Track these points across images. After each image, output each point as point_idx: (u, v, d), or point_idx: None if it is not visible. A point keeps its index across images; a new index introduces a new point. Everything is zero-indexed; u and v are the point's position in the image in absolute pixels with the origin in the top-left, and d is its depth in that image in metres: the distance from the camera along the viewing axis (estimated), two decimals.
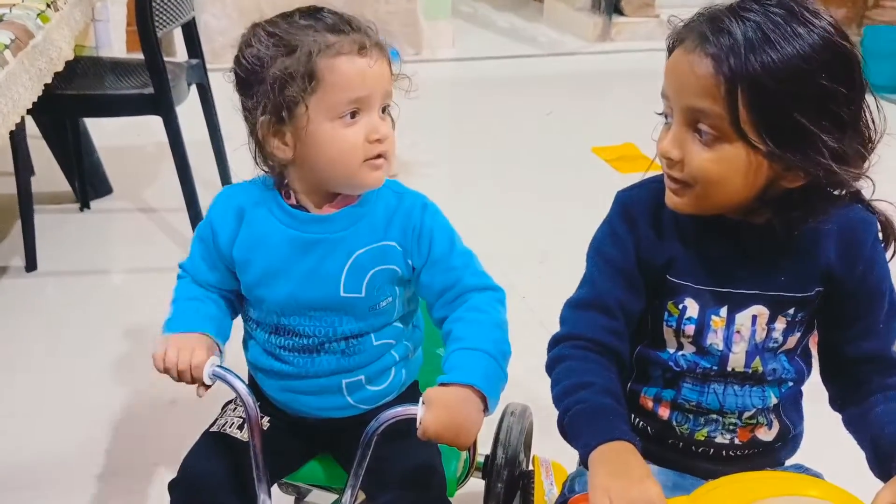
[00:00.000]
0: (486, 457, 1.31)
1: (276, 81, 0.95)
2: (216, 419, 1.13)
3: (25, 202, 2.23)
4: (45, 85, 1.69)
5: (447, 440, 0.92)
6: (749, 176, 0.86)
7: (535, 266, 2.36)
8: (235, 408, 1.12)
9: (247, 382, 1.02)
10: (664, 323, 0.96)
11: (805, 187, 0.86)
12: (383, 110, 1.01)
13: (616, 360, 0.95)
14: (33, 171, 2.63)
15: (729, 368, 0.95)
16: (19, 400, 1.82)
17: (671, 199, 0.91)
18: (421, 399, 0.92)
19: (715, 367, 0.95)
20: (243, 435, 1.07)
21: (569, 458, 1.05)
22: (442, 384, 0.95)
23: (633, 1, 4.57)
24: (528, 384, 1.32)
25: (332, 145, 0.97)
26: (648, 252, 0.95)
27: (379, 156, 1.00)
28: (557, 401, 0.92)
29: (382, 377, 1.10)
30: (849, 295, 0.94)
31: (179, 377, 0.99)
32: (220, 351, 1.05)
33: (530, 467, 1.31)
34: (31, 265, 2.27)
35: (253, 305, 1.08)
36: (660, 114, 0.91)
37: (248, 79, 0.99)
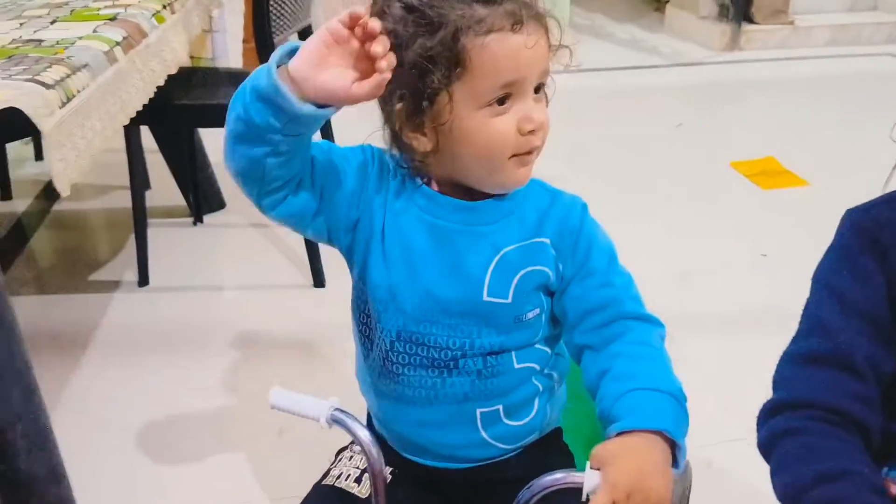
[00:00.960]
0: None
1: (414, 66, 0.80)
2: (329, 469, 0.97)
3: (140, 217, 2.20)
4: (161, 94, 1.63)
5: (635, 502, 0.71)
6: None
7: (675, 290, 2.15)
8: (352, 456, 0.97)
9: (367, 426, 0.86)
10: None
11: None
12: (537, 90, 0.84)
13: (866, 437, 0.72)
14: (149, 185, 2.63)
15: None
16: (132, 416, 1.76)
17: None
18: (588, 464, 0.73)
19: None
20: (361, 490, 0.92)
21: None
22: (619, 433, 0.75)
23: (765, 7, 4.28)
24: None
25: (478, 137, 0.83)
26: None
27: (530, 151, 0.84)
28: (793, 492, 0.70)
29: (524, 411, 0.92)
30: None
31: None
32: None
33: None
34: (143, 280, 2.24)
35: (371, 307, 0.90)
36: None
37: None
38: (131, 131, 2.07)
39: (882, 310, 0.73)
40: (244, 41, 3.07)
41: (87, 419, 1.73)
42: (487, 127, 0.82)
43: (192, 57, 2.42)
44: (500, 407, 0.91)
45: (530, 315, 0.89)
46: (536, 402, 0.93)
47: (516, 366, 0.90)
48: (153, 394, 1.83)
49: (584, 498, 0.72)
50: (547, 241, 0.88)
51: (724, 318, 2.02)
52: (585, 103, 3.76)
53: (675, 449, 0.75)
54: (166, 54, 1.48)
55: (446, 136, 0.83)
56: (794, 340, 0.77)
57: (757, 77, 3.91)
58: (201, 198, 2.56)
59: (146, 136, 2.40)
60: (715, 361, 1.83)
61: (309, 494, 0.95)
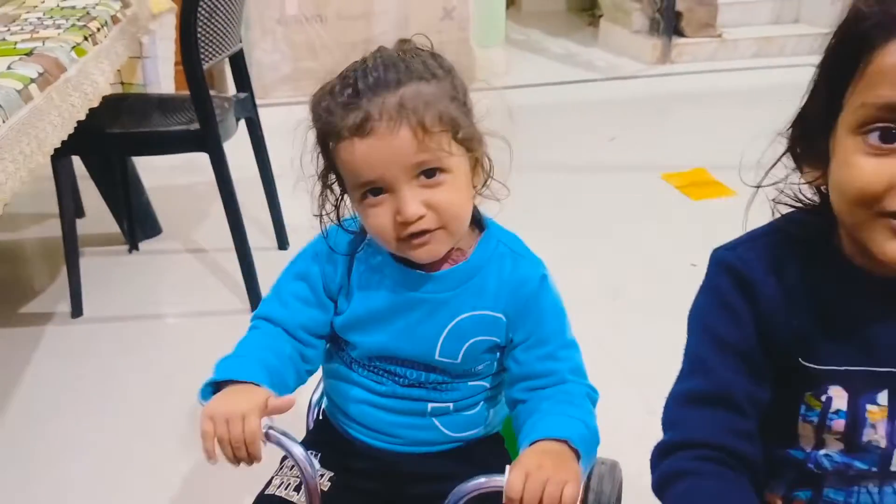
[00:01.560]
0: None
1: (321, 170, 0.95)
2: (272, 479, 1.02)
3: (71, 246, 2.16)
4: (91, 123, 1.61)
5: (539, 487, 0.78)
6: None
7: (609, 303, 2.19)
8: (293, 465, 1.00)
9: (302, 442, 0.91)
10: (800, 419, 0.76)
11: None
12: (431, 174, 0.88)
13: (751, 471, 0.74)
14: (82, 213, 2.59)
15: (893, 468, 0.75)
16: (64, 450, 1.73)
17: None
18: (507, 469, 0.80)
19: (874, 469, 0.75)
20: (301, 499, 0.98)
21: None
22: (533, 442, 0.83)
23: (694, 21, 4.41)
24: (616, 438, 1.17)
25: (366, 223, 0.93)
26: (775, 331, 0.75)
27: (414, 234, 0.89)
28: None
29: (471, 408, 1.01)
30: None
31: (235, 454, 0.86)
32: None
33: None
34: (76, 311, 2.20)
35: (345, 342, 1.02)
36: (875, 129, 0.67)
37: None
38: (60, 161, 2.04)
39: (754, 346, 0.75)
40: (176, 63, 3.04)
41: (15, 464, 1.70)
42: (367, 217, 0.91)
43: (122, 83, 2.39)
44: (451, 405, 1.00)
45: (479, 368, 0.99)
46: (483, 403, 1.02)
47: (470, 383, 1.00)
48: (86, 427, 1.79)
49: (504, 500, 0.78)
50: (501, 315, 0.95)
51: (657, 329, 2.08)
52: (521, 119, 3.82)
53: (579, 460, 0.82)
54: (87, 87, 1.47)
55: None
56: (679, 380, 0.79)
57: (687, 89, 4.01)
58: (136, 224, 2.53)
59: (77, 162, 2.37)
60: (648, 372, 1.87)
61: None
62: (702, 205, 2.70)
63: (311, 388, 1.13)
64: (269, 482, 1.02)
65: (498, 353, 0.98)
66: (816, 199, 0.77)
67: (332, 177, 0.95)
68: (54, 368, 2.00)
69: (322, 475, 1.00)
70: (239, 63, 2.31)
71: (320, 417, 1.11)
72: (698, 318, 0.79)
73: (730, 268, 0.77)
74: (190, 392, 1.85)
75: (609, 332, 1.95)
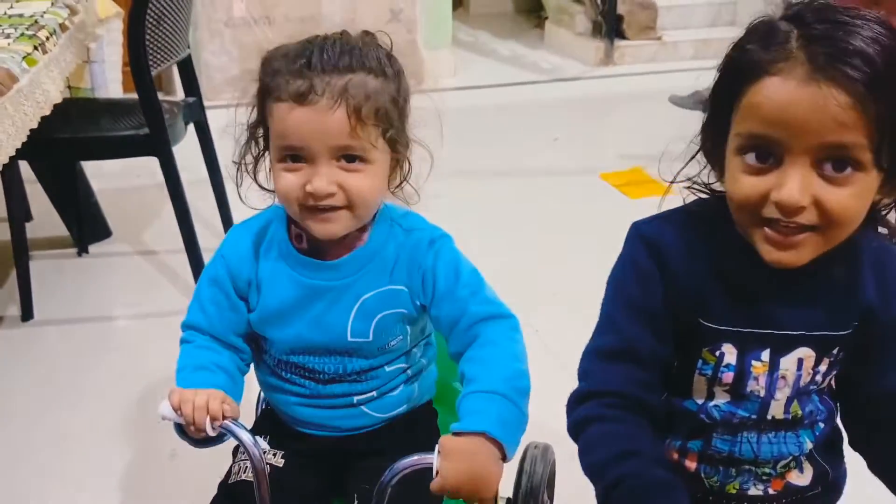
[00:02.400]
0: (508, 500, 1.24)
1: (255, 114, 1.00)
2: (231, 468, 1.08)
3: (19, 248, 2.17)
4: (39, 128, 1.64)
5: (466, 494, 0.87)
6: (868, 204, 0.80)
7: (548, 297, 2.28)
8: (244, 451, 1.06)
9: (251, 430, 0.98)
10: (697, 372, 0.87)
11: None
12: (351, 159, 0.95)
13: (652, 418, 0.86)
14: (30, 217, 2.59)
15: (769, 417, 0.87)
16: (16, 454, 1.74)
17: (784, 256, 0.79)
18: (437, 448, 0.88)
19: (753, 416, 0.87)
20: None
21: (591, 501, 0.98)
22: (455, 433, 0.89)
23: (635, 24, 4.54)
24: (548, 422, 1.25)
25: (276, 185, 0.98)
26: (680, 294, 0.85)
27: (320, 208, 0.95)
28: (596, 472, 0.82)
29: (394, 390, 1.08)
30: (882, 331, 0.87)
31: (194, 416, 0.92)
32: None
33: None
34: (27, 314, 2.21)
35: (263, 340, 1.07)
36: (750, 150, 0.78)
37: None
38: (7, 166, 2.05)
39: (660, 307, 0.85)
40: (125, 65, 3.04)
41: None
42: (280, 179, 0.96)
43: (70, 87, 2.41)
44: (374, 393, 1.07)
45: (393, 343, 1.04)
46: (404, 385, 1.09)
47: (387, 370, 1.06)
48: (37, 430, 1.81)
49: (434, 474, 0.86)
50: (401, 286, 1.02)
51: (593, 323, 2.17)
52: (468, 120, 3.90)
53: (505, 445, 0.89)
54: (39, 96, 1.50)
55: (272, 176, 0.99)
56: (593, 337, 0.90)
57: (629, 90, 4.13)
58: (86, 228, 2.54)
59: (24, 165, 2.37)
60: None
61: (217, 495, 1.05)
62: (639, 203, 2.82)
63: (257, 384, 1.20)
64: (229, 471, 1.08)
65: (409, 327, 1.04)
66: (723, 189, 0.88)
67: (259, 131, 1.01)
68: (4, 372, 2.01)
69: (275, 454, 1.07)
70: (187, 68, 2.35)
71: (265, 407, 1.18)
72: (613, 282, 0.89)
73: (644, 237, 0.87)
74: (142, 393, 1.90)
75: (548, 326, 2.04)
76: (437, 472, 0.86)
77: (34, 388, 1.96)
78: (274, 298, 1.03)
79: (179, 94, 2.71)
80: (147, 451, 1.74)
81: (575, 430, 0.86)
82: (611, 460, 0.81)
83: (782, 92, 0.75)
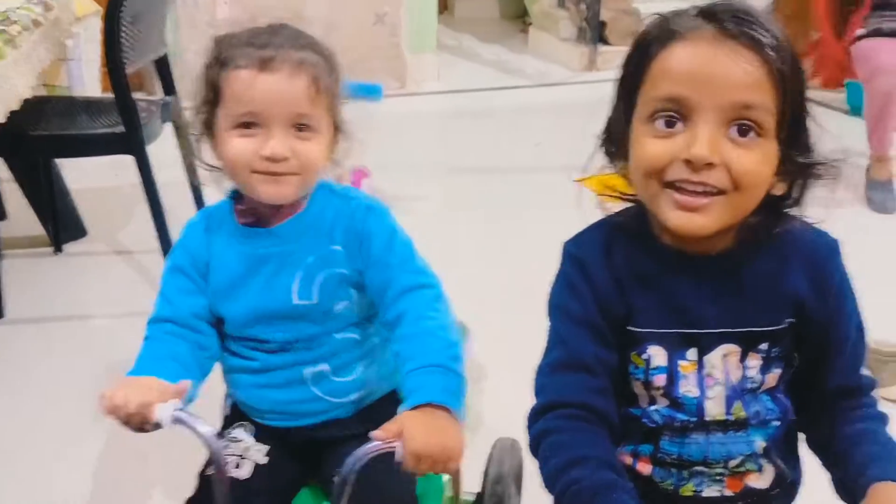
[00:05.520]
0: (477, 494, 1.29)
1: (203, 89, 1.03)
2: (209, 459, 1.07)
3: None
4: (15, 125, 1.63)
5: (436, 457, 0.88)
6: (771, 173, 0.82)
7: (517, 298, 2.28)
8: (227, 445, 1.10)
9: (223, 426, 1.01)
10: (632, 377, 0.89)
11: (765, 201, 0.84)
12: (301, 128, 1.00)
13: (607, 423, 0.86)
14: (5, 215, 2.57)
15: (708, 418, 0.88)
16: None
17: (690, 221, 0.81)
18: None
19: (693, 419, 0.88)
20: (240, 473, 1.07)
21: None
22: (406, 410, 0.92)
23: (618, 30, 4.56)
24: (516, 418, 1.26)
25: (226, 152, 1.02)
26: (607, 302, 0.88)
27: (272, 171, 1.00)
28: (550, 482, 0.83)
29: (347, 369, 1.10)
30: (821, 327, 0.88)
31: (127, 420, 0.94)
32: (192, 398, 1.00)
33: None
34: None
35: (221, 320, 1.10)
36: (660, 117, 0.81)
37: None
38: None
39: (595, 317, 0.87)
40: (104, 65, 3.04)
41: None
42: (230, 144, 1.01)
43: (45, 85, 2.40)
44: (326, 367, 1.08)
45: (339, 307, 1.07)
46: (360, 364, 1.11)
47: (337, 337, 1.09)
48: (12, 430, 1.80)
49: (397, 458, 0.88)
50: (338, 247, 1.06)
51: None
52: (451, 124, 3.91)
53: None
54: (5, 92, 1.49)
55: (217, 150, 1.03)
56: (544, 354, 0.91)
57: (610, 95, 4.16)
58: (61, 226, 2.53)
59: (2, 163, 2.36)
60: None
61: (198, 486, 1.07)
62: (614, 207, 2.83)
63: (220, 385, 1.19)
64: (208, 462, 1.07)
65: (353, 292, 1.07)
66: (632, 193, 0.90)
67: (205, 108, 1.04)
68: None
69: (259, 450, 1.09)
70: (164, 68, 2.34)
71: (232, 403, 1.18)
72: (553, 302, 0.91)
73: (571, 255, 0.91)
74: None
75: (517, 325, 2.04)
76: (404, 451, 0.87)
77: (7, 387, 1.94)
78: (223, 273, 1.07)
79: (161, 93, 2.70)
80: (121, 449, 1.73)
81: (534, 445, 0.87)
82: (560, 469, 0.82)
83: (693, 52, 0.79)
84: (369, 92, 4.19)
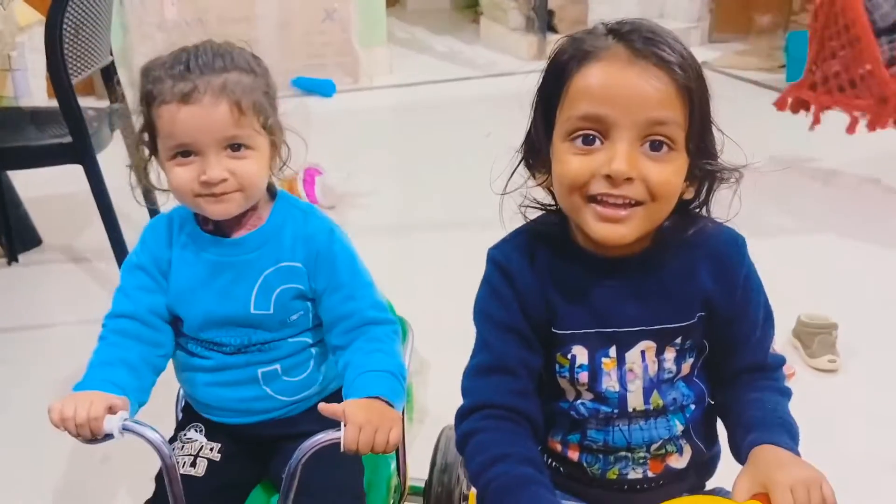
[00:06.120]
0: (425, 483, 1.32)
1: (140, 123, 1.08)
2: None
3: None
4: None
5: (375, 426, 0.94)
6: (681, 183, 0.88)
7: (472, 293, 2.33)
8: (182, 446, 1.14)
9: (160, 432, 1.01)
10: (558, 375, 0.94)
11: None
12: (235, 147, 1.04)
13: (529, 422, 0.92)
14: None
15: (630, 409, 0.94)
16: None
17: (613, 231, 0.86)
18: (342, 423, 0.95)
19: (616, 411, 0.94)
20: (197, 471, 1.11)
21: None
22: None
23: (566, 18, 4.62)
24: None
25: (170, 181, 1.07)
26: (531, 306, 0.93)
27: (214, 194, 1.04)
28: (474, 478, 0.88)
29: (299, 369, 1.14)
30: (729, 318, 0.94)
31: (77, 431, 0.98)
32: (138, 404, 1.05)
33: (470, 490, 1.30)
34: None
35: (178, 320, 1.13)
36: (578, 137, 0.85)
37: None
38: None
39: (520, 322, 0.92)
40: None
41: None
42: (173, 175, 1.06)
43: None
44: (279, 367, 1.13)
45: (294, 317, 1.12)
46: (311, 362, 1.15)
47: (290, 341, 1.13)
48: None
49: (342, 449, 0.93)
50: (299, 264, 1.10)
51: None
52: (404, 118, 3.94)
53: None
54: None
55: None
56: (471, 357, 0.96)
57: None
58: (15, 236, 2.53)
59: None
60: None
61: (156, 488, 1.09)
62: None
63: (177, 384, 1.23)
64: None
65: (308, 304, 1.12)
66: (551, 200, 0.95)
67: (145, 136, 1.08)
68: None
69: (212, 448, 1.13)
70: (110, 76, 2.35)
71: (184, 405, 1.22)
72: (478, 305, 0.96)
73: (495, 261, 0.95)
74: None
75: (464, 318, 2.10)
76: (345, 424, 0.93)
77: None
78: (184, 277, 1.11)
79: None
80: (78, 457, 1.75)
81: (461, 444, 0.92)
82: (484, 465, 0.87)
83: (608, 72, 0.84)
84: (322, 88, 4.24)
